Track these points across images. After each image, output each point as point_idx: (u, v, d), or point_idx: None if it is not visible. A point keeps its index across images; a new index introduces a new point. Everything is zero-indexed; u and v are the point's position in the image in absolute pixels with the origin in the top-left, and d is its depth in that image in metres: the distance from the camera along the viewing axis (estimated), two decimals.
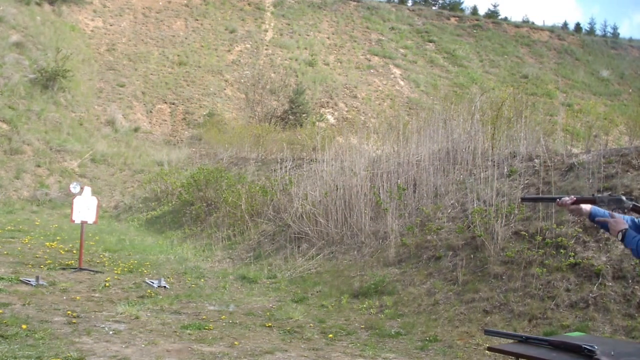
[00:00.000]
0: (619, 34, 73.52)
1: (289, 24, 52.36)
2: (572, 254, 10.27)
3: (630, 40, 69.34)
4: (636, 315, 8.77)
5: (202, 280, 13.62)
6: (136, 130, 35.12)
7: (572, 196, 4.81)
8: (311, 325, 10.27)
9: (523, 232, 11.33)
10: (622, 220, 4.43)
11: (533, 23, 67.39)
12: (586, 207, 4.72)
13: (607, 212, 4.65)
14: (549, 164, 13.03)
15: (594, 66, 56.51)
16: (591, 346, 4.26)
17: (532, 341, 4.74)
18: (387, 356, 8.71)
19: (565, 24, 71.61)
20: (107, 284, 12.30)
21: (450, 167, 14.81)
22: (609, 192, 6.14)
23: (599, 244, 10.26)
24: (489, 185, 12.88)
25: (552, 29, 65.04)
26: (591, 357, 4.16)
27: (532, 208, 11.84)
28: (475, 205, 12.59)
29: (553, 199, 5.03)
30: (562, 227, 10.93)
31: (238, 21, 50.37)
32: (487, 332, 5.50)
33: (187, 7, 49.99)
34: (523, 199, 5.73)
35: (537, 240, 10.89)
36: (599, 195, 4.73)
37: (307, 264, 14.08)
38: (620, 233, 4.35)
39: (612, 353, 4.22)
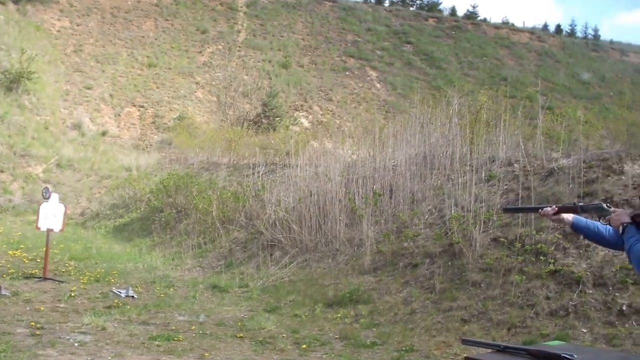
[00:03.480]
0: (599, 36, 74.67)
1: (262, 25, 52.30)
2: (552, 260, 10.17)
3: (611, 42, 70.29)
4: (617, 323, 8.67)
5: (172, 289, 13.35)
6: (104, 134, 34.71)
7: (554, 206, 4.79)
8: (284, 335, 10.06)
9: (502, 239, 11.19)
10: (625, 214, 4.36)
11: (513, 24, 68.22)
12: (568, 216, 4.72)
13: (589, 220, 4.64)
14: (529, 169, 12.91)
15: (575, 69, 57.05)
16: (570, 355, 4.18)
17: (510, 350, 4.63)
18: None
19: (545, 26, 72.65)
20: (72, 294, 12.05)
21: (428, 172, 14.65)
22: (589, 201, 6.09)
23: (579, 250, 10.20)
24: (467, 191, 12.75)
25: (532, 31, 65.80)
26: None
27: (511, 214, 11.69)
28: (453, 211, 12.44)
29: (535, 209, 5.02)
30: (541, 233, 10.82)
31: (210, 21, 50.26)
32: (465, 342, 5.49)
33: (157, 7, 49.76)
34: (505, 210, 5.67)
35: (516, 247, 10.77)
36: (581, 204, 4.73)
37: (280, 272, 13.86)
38: (621, 226, 4.27)
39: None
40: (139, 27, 46.77)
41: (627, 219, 4.27)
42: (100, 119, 36.03)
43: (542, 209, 4.81)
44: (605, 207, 4.55)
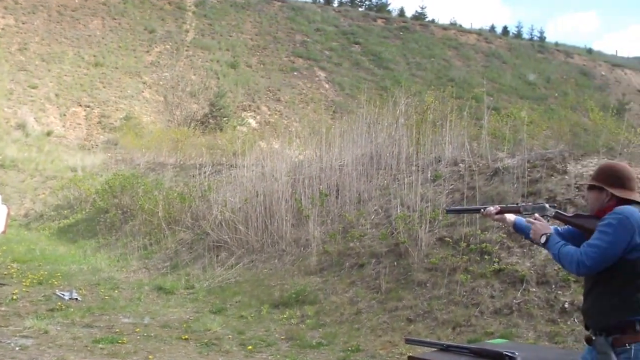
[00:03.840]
0: (545, 37, 75.52)
1: (210, 25, 51.95)
2: (497, 259, 10.24)
3: (557, 44, 71.01)
4: (559, 320, 8.77)
5: (116, 291, 13.19)
6: (49, 134, 34.16)
7: (497, 206, 4.83)
8: (230, 337, 9.98)
9: (447, 238, 11.24)
10: (547, 224, 4.39)
11: (461, 26, 68.73)
12: (510, 217, 4.77)
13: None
14: (474, 169, 12.99)
15: (521, 70, 57.61)
16: (512, 353, 4.39)
17: (453, 349, 4.85)
18: None
19: (492, 27, 73.28)
20: (14, 297, 11.85)
21: (374, 172, 14.67)
22: (533, 201, 6.18)
23: (523, 249, 10.30)
24: (413, 191, 12.75)
25: (479, 32, 66.27)
26: None
27: (456, 215, 11.76)
28: (399, 211, 12.43)
29: (478, 210, 5.04)
30: (486, 233, 10.91)
31: (158, 21, 49.78)
32: (409, 341, 5.78)
33: (104, 6, 49.09)
34: (448, 211, 5.73)
35: (461, 247, 10.81)
36: (523, 204, 4.75)
37: (226, 273, 13.74)
38: (544, 236, 4.29)
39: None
40: (86, 26, 46.12)
41: (548, 230, 4.33)
42: (46, 119, 35.50)
43: (484, 209, 4.83)
44: (548, 207, 4.59)
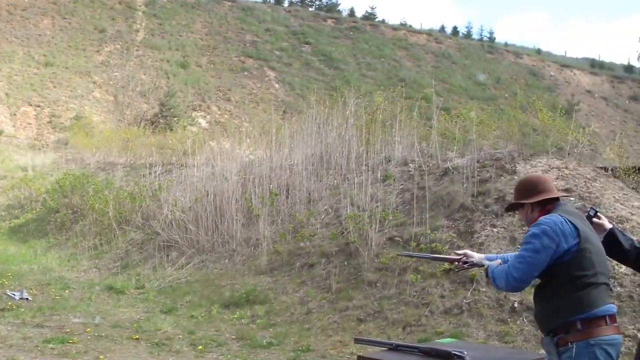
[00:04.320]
0: (494, 38, 76.11)
1: (160, 24, 51.59)
2: None
3: (506, 45, 71.71)
4: (509, 320, 8.83)
5: (67, 291, 13.13)
6: None
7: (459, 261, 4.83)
8: (180, 336, 9.97)
9: (397, 238, 11.30)
10: (497, 261, 4.52)
11: (411, 26, 68.92)
12: (480, 258, 4.77)
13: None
14: (424, 169, 13.04)
15: (471, 70, 57.97)
16: (460, 352, 4.37)
17: (402, 348, 4.82)
18: None
19: (442, 28, 73.61)
20: None
21: (324, 172, 14.71)
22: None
23: (473, 249, 10.23)
24: (363, 191, 12.80)
25: (429, 32, 66.48)
26: None
27: (406, 213, 11.82)
28: (349, 210, 12.45)
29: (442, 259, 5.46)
30: (436, 232, 10.96)
31: (108, 20, 49.29)
32: (358, 341, 5.73)
33: (54, 5, 48.51)
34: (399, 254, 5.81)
35: (411, 246, 10.83)
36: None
37: (176, 273, 13.70)
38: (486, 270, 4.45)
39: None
40: (36, 25, 45.54)
41: (490, 263, 4.47)
42: None
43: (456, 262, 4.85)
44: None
